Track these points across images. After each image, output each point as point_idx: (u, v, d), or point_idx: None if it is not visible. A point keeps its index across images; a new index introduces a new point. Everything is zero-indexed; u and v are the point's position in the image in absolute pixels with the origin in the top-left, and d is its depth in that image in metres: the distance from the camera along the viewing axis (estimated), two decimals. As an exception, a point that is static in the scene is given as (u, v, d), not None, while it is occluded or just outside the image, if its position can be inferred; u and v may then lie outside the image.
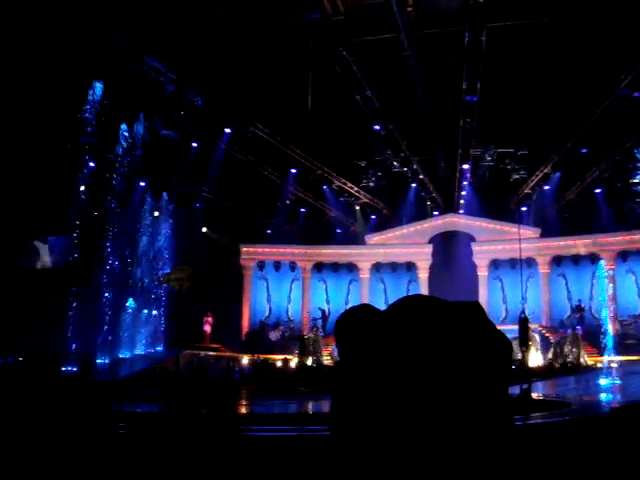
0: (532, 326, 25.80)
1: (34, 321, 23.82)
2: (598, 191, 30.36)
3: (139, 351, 27.14)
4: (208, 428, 6.64)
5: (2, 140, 22.82)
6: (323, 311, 33.73)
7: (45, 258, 28.38)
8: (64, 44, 19.78)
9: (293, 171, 31.06)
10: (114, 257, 26.35)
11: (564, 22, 21.36)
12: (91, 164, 26.84)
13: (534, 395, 12.47)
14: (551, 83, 23.21)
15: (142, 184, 28.79)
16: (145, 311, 28.42)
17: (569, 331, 27.41)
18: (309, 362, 25.97)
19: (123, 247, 27.08)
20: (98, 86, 23.72)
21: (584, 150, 27.78)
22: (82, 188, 27.18)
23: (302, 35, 22.80)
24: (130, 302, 27.38)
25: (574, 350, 25.66)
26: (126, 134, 25.79)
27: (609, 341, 23.18)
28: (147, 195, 29.13)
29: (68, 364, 23.17)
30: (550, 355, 25.84)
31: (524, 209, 33.45)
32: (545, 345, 26.65)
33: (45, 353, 22.03)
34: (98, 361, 24.46)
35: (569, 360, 25.28)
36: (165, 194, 30.01)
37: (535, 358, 24.94)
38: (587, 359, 25.63)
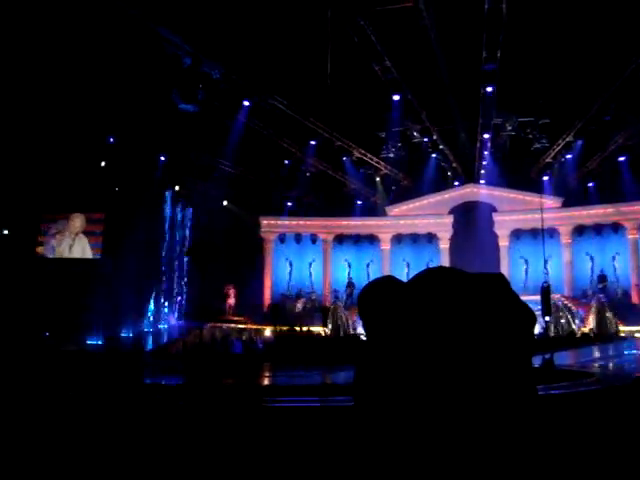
0: (554, 296, 25.71)
1: (60, 297, 24.15)
2: (622, 159, 29.88)
3: (163, 324, 27.45)
4: (231, 399, 6.70)
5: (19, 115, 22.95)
6: (350, 282, 33.76)
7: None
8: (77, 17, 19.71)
9: (313, 143, 30.92)
10: (137, 232, 26.55)
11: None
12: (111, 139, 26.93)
13: (557, 365, 12.44)
14: (574, 49, 22.77)
15: (162, 159, 28.87)
16: (167, 285, 28.70)
17: (592, 301, 27.27)
18: (330, 333, 26.09)
19: (146, 222, 27.23)
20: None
21: (607, 117, 27.34)
22: (102, 164, 27.34)
23: (320, 5, 22.54)
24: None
25: (598, 320, 25.59)
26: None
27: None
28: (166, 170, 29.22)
29: (94, 338, 23.53)
30: (573, 325, 25.77)
31: (546, 178, 33.08)
32: (568, 315, 26.53)
33: (71, 327, 22.36)
34: (122, 334, 24.80)
35: (592, 329, 25.21)
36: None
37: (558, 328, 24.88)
38: (611, 328, 25.57)
